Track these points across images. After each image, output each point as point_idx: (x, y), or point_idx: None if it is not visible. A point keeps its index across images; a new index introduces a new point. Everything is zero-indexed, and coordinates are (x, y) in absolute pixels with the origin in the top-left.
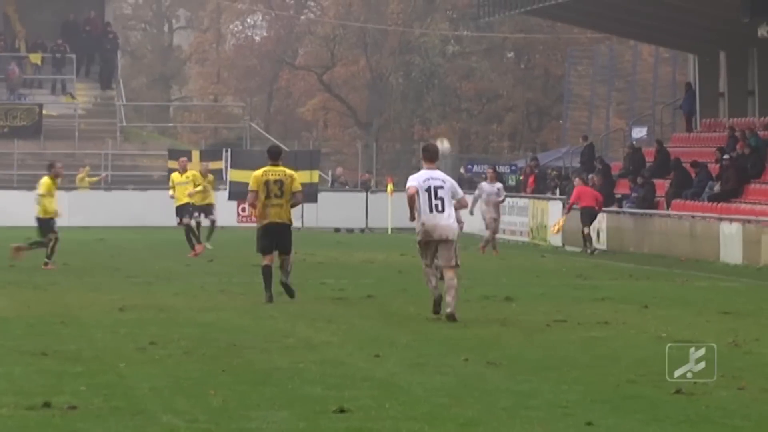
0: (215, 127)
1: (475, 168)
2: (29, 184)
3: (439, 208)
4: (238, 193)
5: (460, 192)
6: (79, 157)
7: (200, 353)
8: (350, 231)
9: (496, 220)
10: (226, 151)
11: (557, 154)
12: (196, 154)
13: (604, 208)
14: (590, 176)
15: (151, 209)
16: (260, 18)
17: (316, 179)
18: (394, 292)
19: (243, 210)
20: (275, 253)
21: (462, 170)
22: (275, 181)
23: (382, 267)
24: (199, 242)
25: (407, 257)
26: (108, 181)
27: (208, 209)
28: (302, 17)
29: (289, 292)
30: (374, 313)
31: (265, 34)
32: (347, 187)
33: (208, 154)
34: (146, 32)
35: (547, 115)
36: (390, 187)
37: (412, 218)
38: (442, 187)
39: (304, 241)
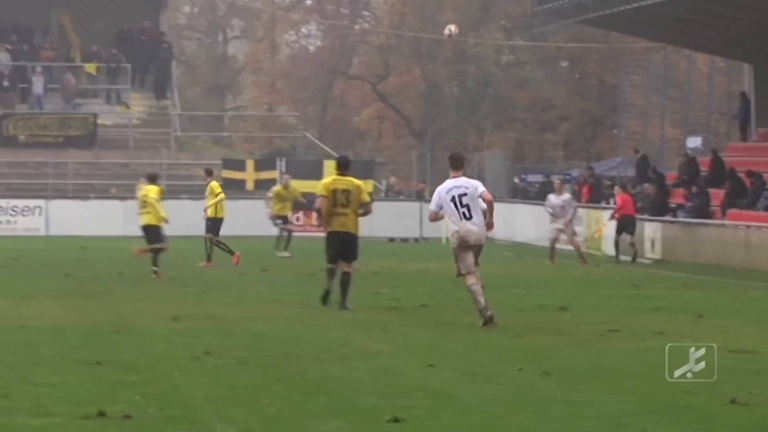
0: (270, 137)
1: (529, 177)
2: (84, 193)
3: (467, 215)
4: None
5: (481, 187)
6: (133, 166)
7: (254, 363)
8: (404, 240)
9: (561, 231)
10: (281, 160)
11: (612, 163)
12: (251, 164)
13: (659, 218)
14: (645, 185)
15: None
16: (315, 28)
17: (370, 189)
18: (448, 302)
19: (298, 219)
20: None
21: (516, 180)
22: (343, 191)
23: (437, 277)
24: (231, 252)
25: None
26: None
27: (285, 219)
28: (356, 27)
29: (345, 310)
30: (428, 323)
31: (319, 43)
32: (401, 197)
33: (262, 164)
34: (201, 42)
35: (602, 125)
36: None
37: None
38: (465, 194)
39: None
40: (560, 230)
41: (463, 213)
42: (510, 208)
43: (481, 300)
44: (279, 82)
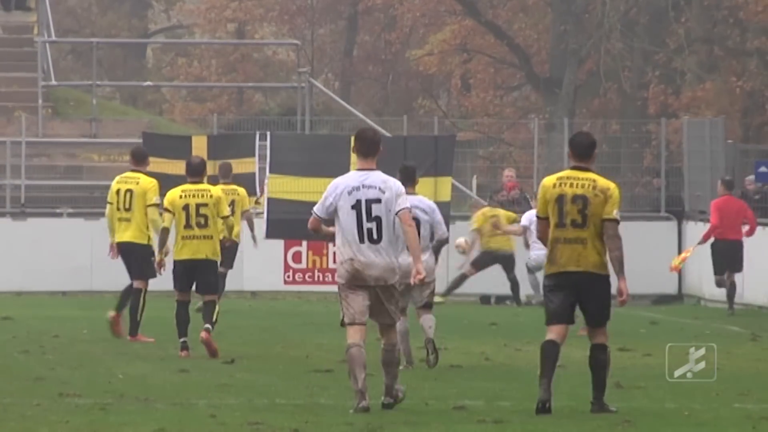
0: (239, 90)
1: None
2: None
3: (374, 236)
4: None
5: (404, 199)
6: None
7: None
8: (516, 303)
9: None
10: (265, 136)
11: None
12: (199, 142)
13: None
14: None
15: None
16: None
17: (446, 194)
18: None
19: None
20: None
21: (750, 179)
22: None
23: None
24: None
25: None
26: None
27: None
28: None
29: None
30: None
31: None
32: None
33: (226, 144)
34: None
35: None
36: None
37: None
38: (378, 201)
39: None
40: None
41: (369, 230)
42: None
43: (360, 378)
44: None
